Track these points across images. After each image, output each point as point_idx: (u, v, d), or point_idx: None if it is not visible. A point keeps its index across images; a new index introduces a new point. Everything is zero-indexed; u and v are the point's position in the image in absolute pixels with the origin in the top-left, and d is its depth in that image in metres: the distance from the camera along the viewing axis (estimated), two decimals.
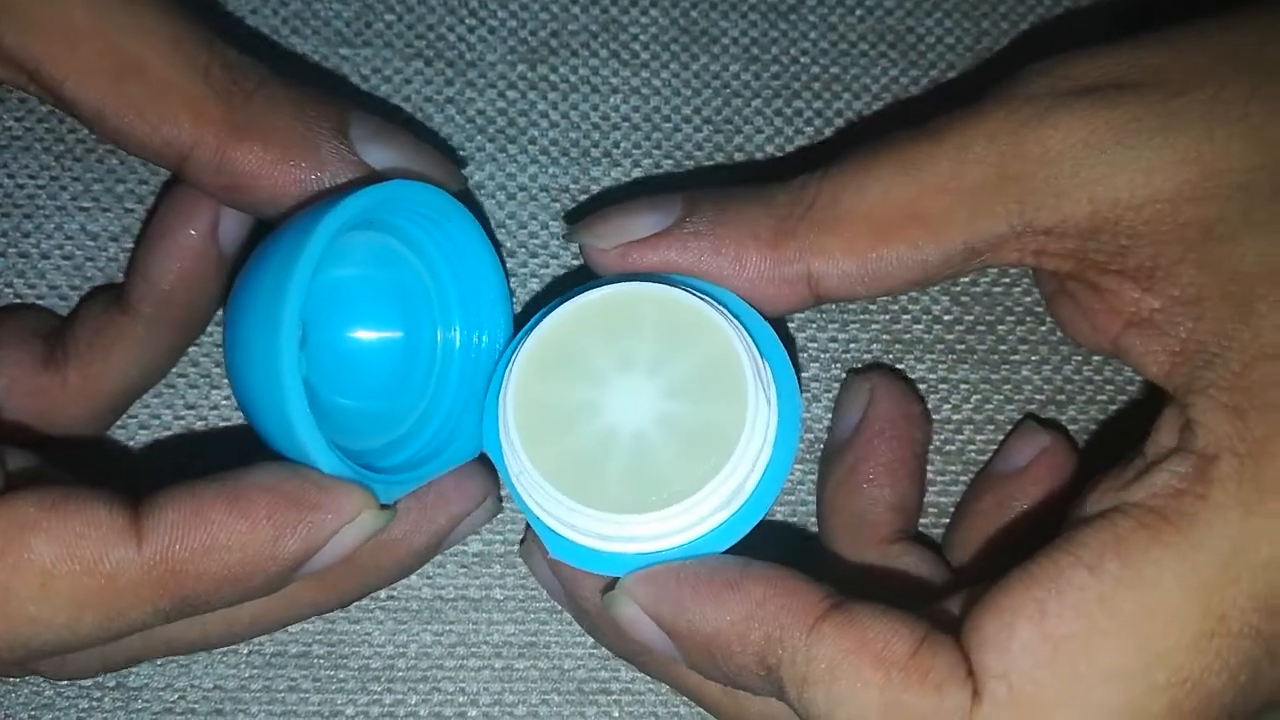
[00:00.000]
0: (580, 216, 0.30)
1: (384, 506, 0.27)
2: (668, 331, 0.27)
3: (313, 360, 0.29)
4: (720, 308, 0.27)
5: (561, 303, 0.27)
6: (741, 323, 0.27)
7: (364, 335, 0.31)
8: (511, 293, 0.31)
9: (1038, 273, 0.30)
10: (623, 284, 0.27)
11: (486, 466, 0.31)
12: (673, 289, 0.27)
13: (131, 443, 0.33)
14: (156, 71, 0.28)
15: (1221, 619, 0.23)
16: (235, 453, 0.27)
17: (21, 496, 0.25)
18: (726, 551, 0.27)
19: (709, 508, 0.26)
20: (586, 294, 0.27)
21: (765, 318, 0.28)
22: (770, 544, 0.33)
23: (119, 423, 0.33)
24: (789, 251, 0.27)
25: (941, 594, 0.29)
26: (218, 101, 0.28)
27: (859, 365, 0.34)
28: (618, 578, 0.27)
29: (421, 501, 0.30)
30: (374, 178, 0.28)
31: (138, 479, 0.33)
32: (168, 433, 0.33)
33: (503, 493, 0.33)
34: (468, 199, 0.34)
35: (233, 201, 0.29)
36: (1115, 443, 0.34)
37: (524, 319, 0.31)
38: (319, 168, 0.28)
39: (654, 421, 0.26)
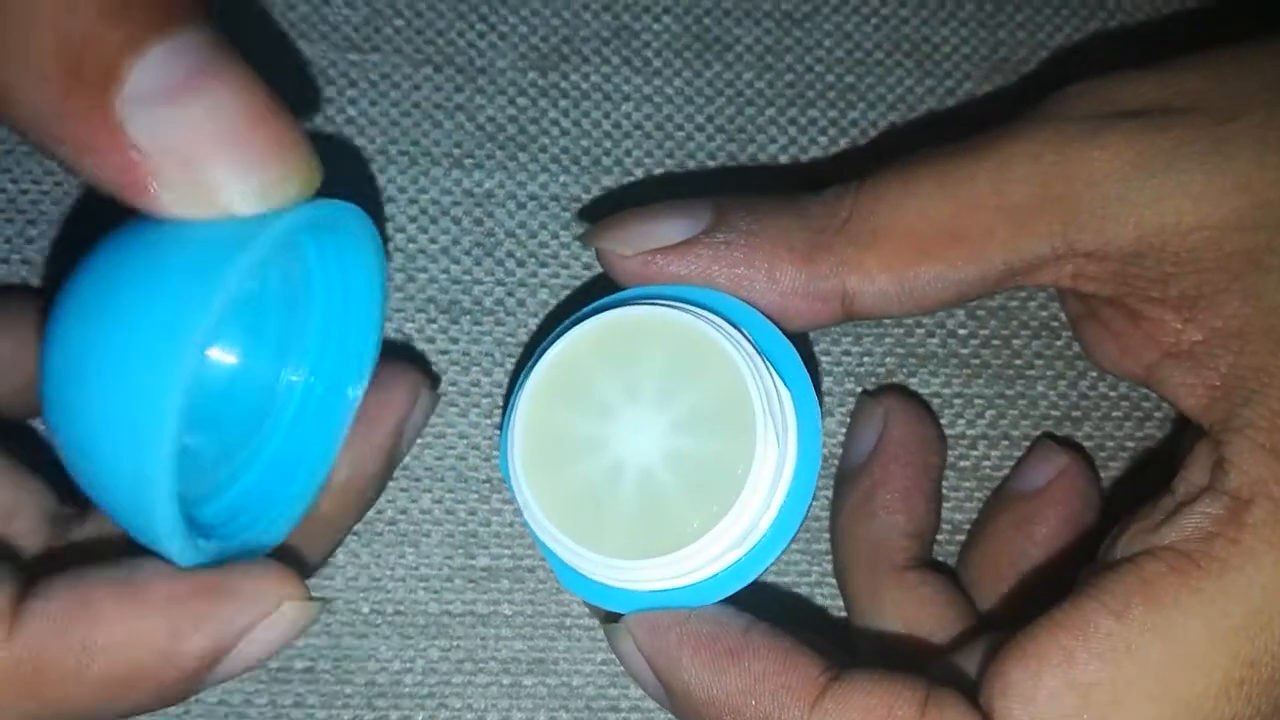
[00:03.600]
0: (595, 219, 0.29)
1: (312, 597, 0.24)
2: (678, 361, 0.26)
3: None
4: (735, 334, 0.26)
5: (573, 325, 0.26)
6: (762, 346, 0.26)
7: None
8: (381, 337, 0.28)
9: (1065, 294, 0.29)
10: (634, 308, 0.26)
11: (408, 359, 0.29)
12: (686, 314, 0.26)
13: None
14: None
15: (1252, 665, 0.23)
16: None
17: None
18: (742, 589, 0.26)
19: (718, 550, 0.25)
20: (598, 317, 0.26)
21: (792, 333, 0.27)
22: (785, 567, 0.33)
23: None
24: (824, 266, 0.26)
25: (959, 624, 0.29)
26: None
27: (874, 379, 0.34)
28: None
29: (353, 431, 0.27)
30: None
31: None
32: None
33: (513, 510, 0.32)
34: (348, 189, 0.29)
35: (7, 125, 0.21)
36: (1131, 460, 0.34)
37: (536, 336, 0.31)
38: (60, 120, 0.20)
39: (661, 458, 0.25)
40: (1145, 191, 0.25)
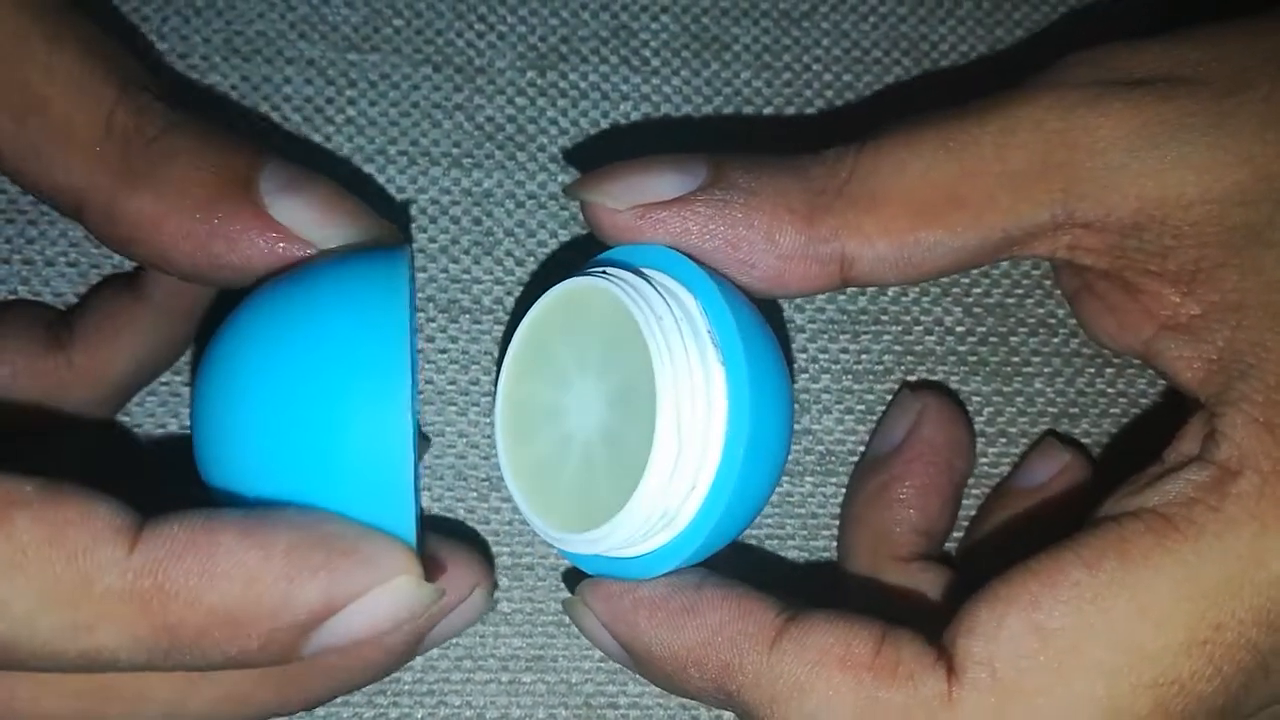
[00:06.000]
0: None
1: (427, 582, 0.24)
2: (614, 335, 0.25)
3: None
4: (664, 309, 0.25)
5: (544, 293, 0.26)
6: (717, 329, 0.25)
7: None
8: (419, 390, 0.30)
9: (1060, 268, 0.29)
10: (581, 278, 0.26)
11: (477, 550, 0.30)
12: (617, 287, 0.25)
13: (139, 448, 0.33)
14: (58, 112, 0.26)
15: (1217, 628, 0.23)
16: None
17: (24, 476, 0.23)
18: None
19: (638, 529, 0.25)
20: (557, 286, 0.26)
21: (781, 299, 0.26)
22: (780, 558, 0.33)
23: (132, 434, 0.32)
24: (824, 229, 0.26)
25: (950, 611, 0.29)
26: (115, 147, 0.26)
27: (871, 376, 0.34)
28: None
29: None
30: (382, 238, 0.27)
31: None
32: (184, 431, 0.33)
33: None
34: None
35: (134, 256, 0.27)
36: (1128, 456, 0.34)
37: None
38: (216, 222, 0.26)
39: (599, 433, 0.25)
40: (1148, 162, 0.25)
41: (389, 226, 0.28)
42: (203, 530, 0.23)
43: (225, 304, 0.28)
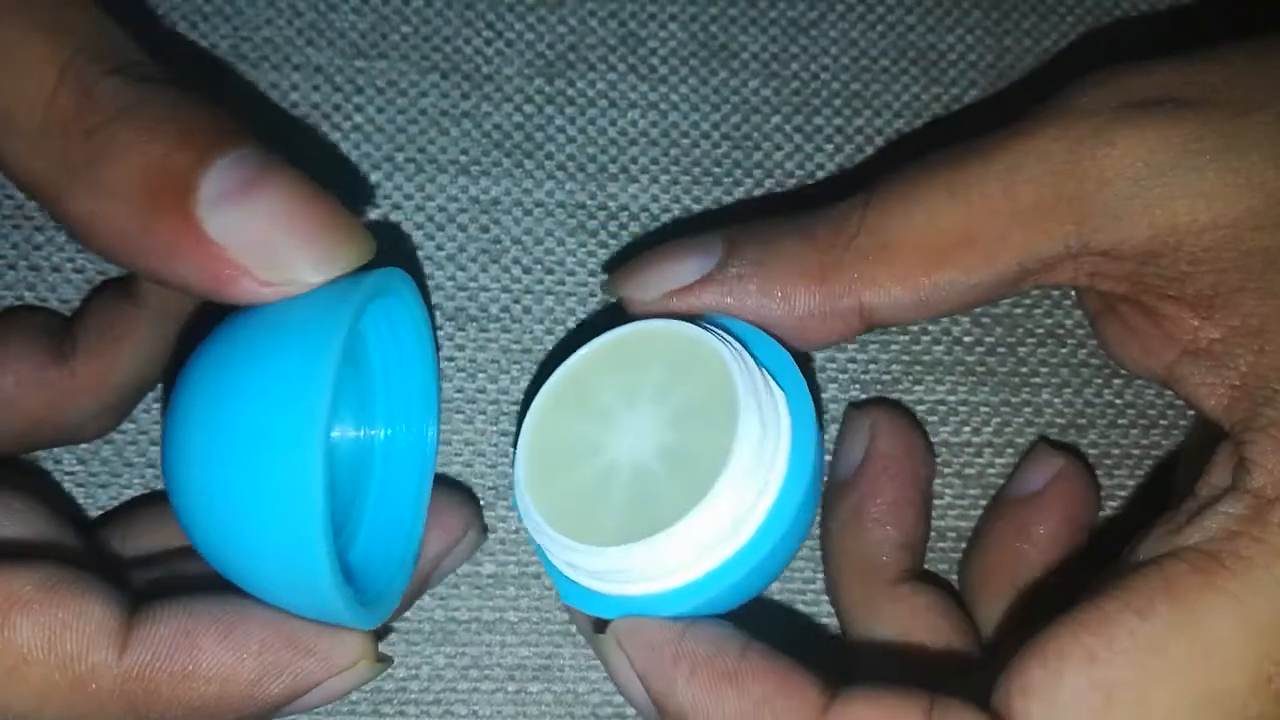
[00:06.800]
0: (617, 261, 0.30)
1: (382, 658, 0.26)
2: (673, 366, 0.26)
3: None
4: (727, 336, 0.26)
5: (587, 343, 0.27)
6: (760, 356, 0.26)
7: None
8: (441, 380, 0.30)
9: (1083, 292, 0.29)
10: (636, 323, 0.27)
11: (465, 494, 0.31)
12: (680, 323, 0.26)
13: (142, 459, 0.33)
14: (3, 99, 0.24)
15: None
16: None
17: (23, 571, 0.24)
18: (730, 593, 0.26)
19: (705, 537, 0.25)
20: (603, 337, 0.27)
21: (810, 352, 0.27)
22: (789, 574, 0.33)
23: (132, 445, 0.32)
24: (838, 286, 0.27)
25: (955, 634, 0.29)
26: (53, 139, 0.23)
27: (879, 386, 0.34)
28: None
29: None
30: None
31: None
32: None
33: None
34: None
35: (86, 248, 0.25)
36: (1136, 467, 0.34)
37: (546, 347, 0.31)
38: (148, 234, 0.23)
39: (654, 454, 0.26)
40: (1157, 190, 0.25)
41: (360, 246, 0.24)
42: (184, 630, 0.25)
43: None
